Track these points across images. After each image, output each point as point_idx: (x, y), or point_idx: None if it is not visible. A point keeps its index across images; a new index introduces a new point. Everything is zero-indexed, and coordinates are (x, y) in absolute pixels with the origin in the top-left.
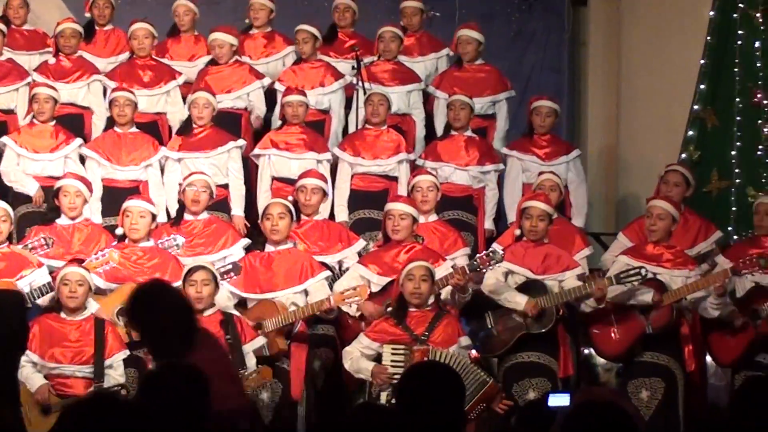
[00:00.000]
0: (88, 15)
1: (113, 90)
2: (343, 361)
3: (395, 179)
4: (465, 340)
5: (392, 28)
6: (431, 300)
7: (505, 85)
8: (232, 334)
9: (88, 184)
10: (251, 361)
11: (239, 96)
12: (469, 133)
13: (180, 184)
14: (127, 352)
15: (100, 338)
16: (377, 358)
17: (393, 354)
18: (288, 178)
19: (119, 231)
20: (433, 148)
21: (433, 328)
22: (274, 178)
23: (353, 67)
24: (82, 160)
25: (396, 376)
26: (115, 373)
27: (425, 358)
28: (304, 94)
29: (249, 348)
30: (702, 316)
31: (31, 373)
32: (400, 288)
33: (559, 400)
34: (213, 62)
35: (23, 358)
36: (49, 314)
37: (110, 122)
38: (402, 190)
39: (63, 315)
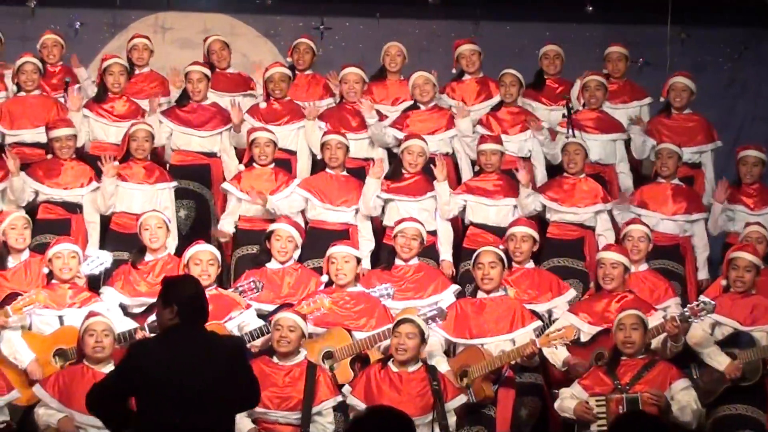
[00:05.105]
0: (290, 60)
1: (325, 133)
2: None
3: (591, 228)
4: (681, 383)
5: (598, 77)
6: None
7: (712, 136)
8: (436, 388)
9: (301, 230)
10: (452, 419)
11: (441, 139)
12: (676, 181)
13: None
14: (339, 398)
15: (310, 384)
16: None
17: (597, 406)
18: (484, 224)
19: (324, 278)
20: (639, 194)
21: (640, 376)
22: (471, 224)
23: (564, 115)
24: None
25: (599, 422)
26: (324, 420)
27: (619, 407)
28: (500, 142)
29: (450, 406)
30: None
31: (238, 418)
32: (613, 338)
33: None
34: (414, 105)
35: None
36: (261, 358)
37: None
38: (601, 240)
39: (275, 359)
